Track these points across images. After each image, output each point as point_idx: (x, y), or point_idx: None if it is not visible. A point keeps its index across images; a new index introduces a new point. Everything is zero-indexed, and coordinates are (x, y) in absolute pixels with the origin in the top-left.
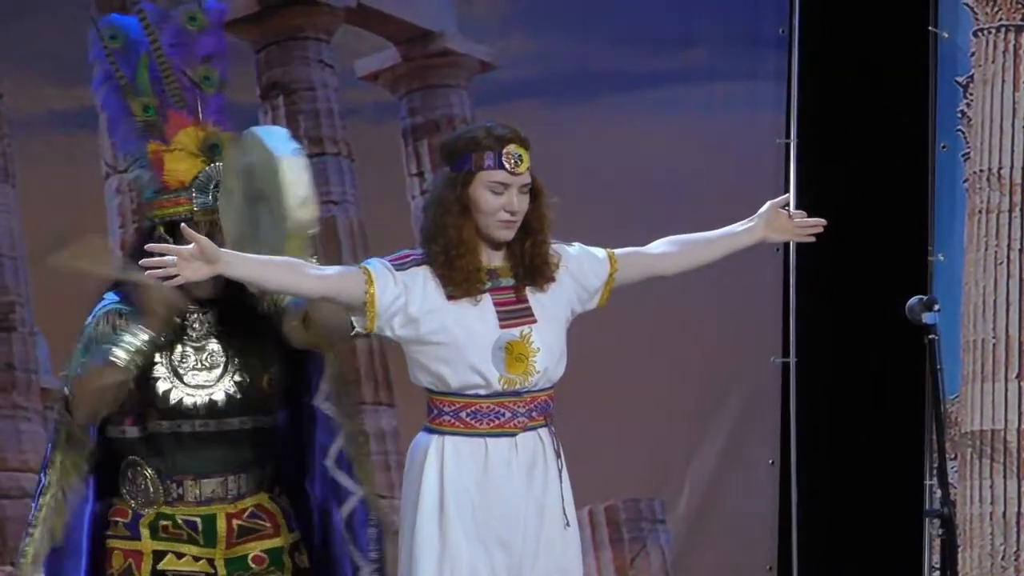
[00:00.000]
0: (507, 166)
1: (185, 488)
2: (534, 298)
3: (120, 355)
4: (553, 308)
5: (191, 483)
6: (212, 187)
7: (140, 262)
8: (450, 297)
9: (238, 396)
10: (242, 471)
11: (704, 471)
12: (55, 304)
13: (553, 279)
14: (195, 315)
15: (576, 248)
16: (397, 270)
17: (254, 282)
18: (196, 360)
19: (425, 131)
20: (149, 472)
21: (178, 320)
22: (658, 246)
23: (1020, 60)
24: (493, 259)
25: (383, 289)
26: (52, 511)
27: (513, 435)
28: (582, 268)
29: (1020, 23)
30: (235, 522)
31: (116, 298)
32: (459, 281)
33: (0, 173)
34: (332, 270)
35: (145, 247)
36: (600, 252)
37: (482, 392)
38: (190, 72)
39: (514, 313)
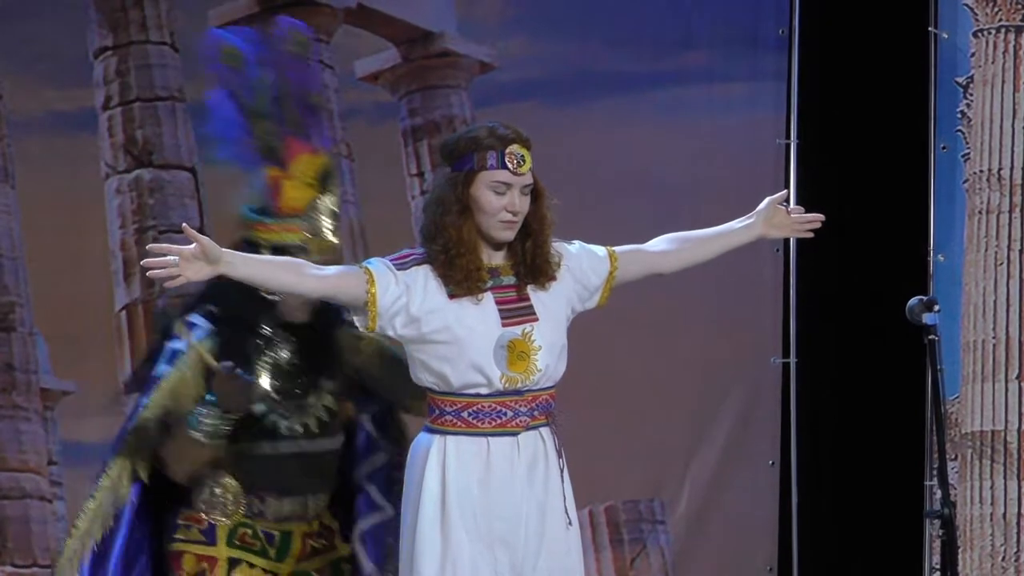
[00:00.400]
0: (510, 166)
1: (267, 504)
2: (535, 296)
3: (205, 437)
4: (554, 306)
5: (273, 500)
6: (323, 215)
7: (142, 262)
8: (451, 296)
9: (326, 420)
10: (319, 491)
11: (704, 472)
12: (55, 305)
13: (554, 278)
14: (286, 340)
15: (577, 246)
16: (398, 269)
17: (256, 282)
18: (290, 385)
19: (425, 132)
20: (232, 486)
21: (266, 343)
22: (657, 244)
23: (1020, 61)
24: (494, 258)
25: (384, 289)
26: (97, 516)
27: (515, 434)
28: (582, 266)
29: (1020, 24)
30: (308, 541)
31: (203, 334)
32: (460, 280)
33: (1, 173)
34: (333, 270)
35: (147, 247)
36: (600, 250)
37: (484, 391)
38: (304, 98)
39: (516, 311)
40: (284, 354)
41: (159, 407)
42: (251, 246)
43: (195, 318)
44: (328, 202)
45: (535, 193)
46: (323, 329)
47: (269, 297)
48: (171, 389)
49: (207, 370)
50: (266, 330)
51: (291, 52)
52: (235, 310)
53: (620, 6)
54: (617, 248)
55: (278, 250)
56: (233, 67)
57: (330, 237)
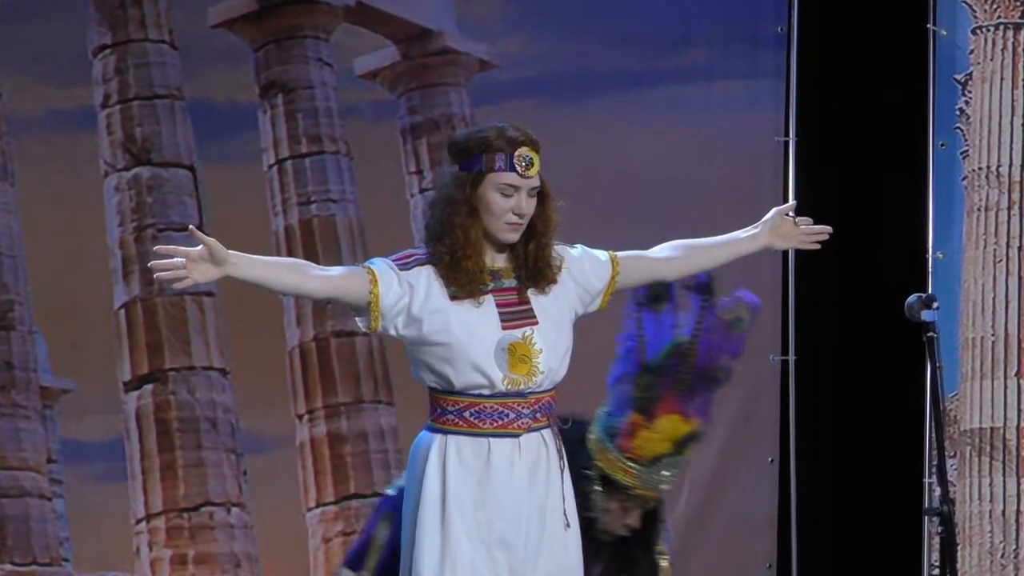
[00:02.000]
0: (518, 169)
1: None
2: (536, 300)
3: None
4: (555, 310)
5: None
6: (659, 472)
7: (149, 264)
8: (453, 298)
9: None
10: None
11: (703, 469)
12: (54, 303)
13: (555, 281)
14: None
15: (579, 250)
16: (401, 270)
17: (260, 284)
18: None
19: (424, 130)
20: None
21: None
22: (661, 250)
23: (1019, 57)
24: (496, 260)
25: (387, 289)
26: None
27: (517, 436)
28: (584, 270)
29: (1019, 20)
30: None
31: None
32: (463, 282)
33: (1, 171)
34: (336, 271)
35: (153, 250)
36: (603, 255)
37: (486, 392)
38: (709, 368)
39: (516, 314)
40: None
41: None
42: (584, 471)
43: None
44: (673, 462)
45: (541, 195)
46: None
47: (589, 514)
48: None
49: None
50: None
51: (723, 321)
52: None
53: (619, 4)
54: (620, 253)
55: (606, 479)
56: (653, 311)
57: (658, 493)
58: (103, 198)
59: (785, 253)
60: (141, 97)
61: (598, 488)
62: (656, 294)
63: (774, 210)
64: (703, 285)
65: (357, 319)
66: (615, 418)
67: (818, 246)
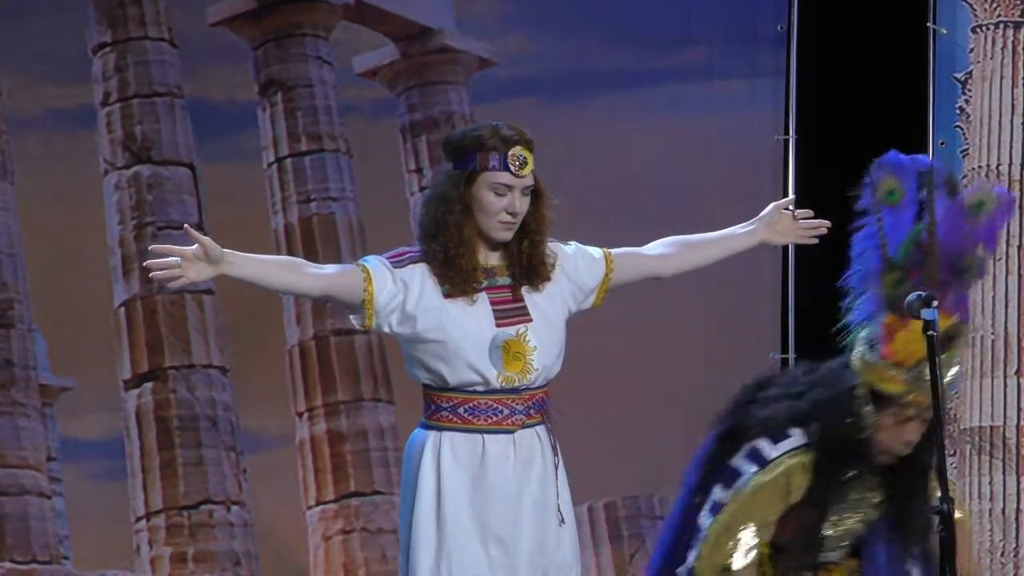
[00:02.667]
0: (511, 168)
1: None
2: (529, 297)
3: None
4: (548, 307)
5: None
6: (927, 375)
7: (144, 264)
8: (447, 296)
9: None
10: None
11: None
12: (53, 301)
13: (549, 279)
14: (875, 483)
15: (572, 247)
16: (395, 267)
17: (256, 282)
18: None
19: (423, 128)
20: None
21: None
22: (656, 247)
23: (1019, 56)
24: (490, 258)
25: (381, 287)
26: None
27: (511, 432)
28: (578, 268)
29: (1019, 19)
30: None
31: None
32: (457, 280)
33: (0, 169)
34: (331, 268)
35: (149, 249)
36: (597, 252)
37: (480, 389)
38: (955, 258)
39: (510, 312)
40: (873, 497)
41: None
42: (850, 387)
43: (794, 431)
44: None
45: (536, 193)
46: (907, 476)
47: (863, 436)
48: (747, 501)
49: (788, 491)
50: (855, 471)
51: (964, 208)
52: (834, 436)
53: (619, 4)
54: (614, 250)
55: (874, 395)
56: (889, 205)
57: (928, 398)
58: (103, 196)
59: (785, 251)
60: (141, 95)
61: (868, 408)
62: (890, 189)
63: (771, 205)
64: (940, 177)
65: (352, 317)
66: (870, 326)
67: (816, 240)
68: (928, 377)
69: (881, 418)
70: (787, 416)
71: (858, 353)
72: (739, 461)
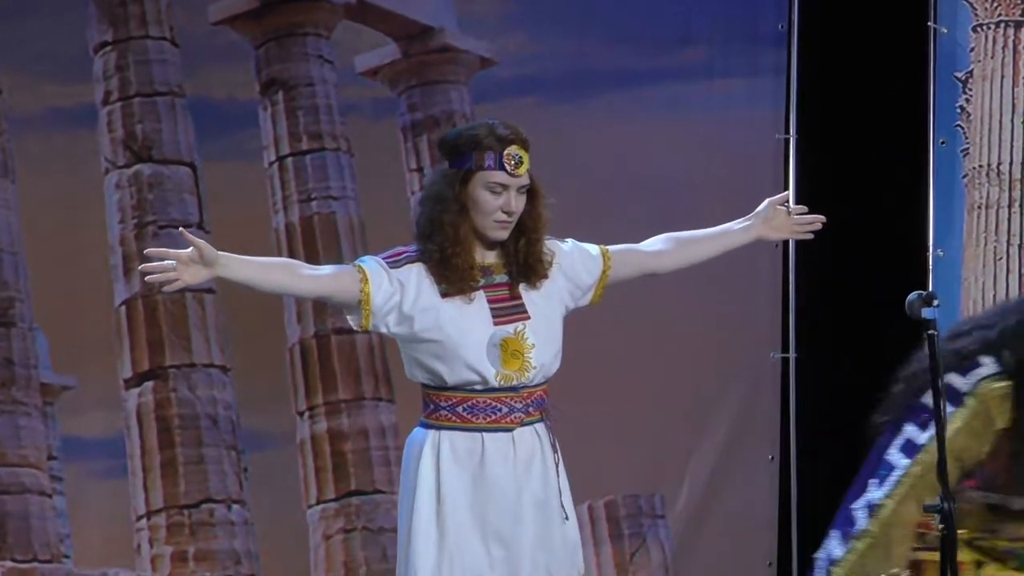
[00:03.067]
0: (507, 167)
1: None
2: (527, 295)
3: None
4: (546, 305)
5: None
6: None
7: (139, 268)
8: (444, 295)
9: None
10: None
11: (703, 466)
12: (54, 300)
13: (546, 276)
14: None
15: (570, 245)
16: (391, 267)
17: (251, 284)
18: None
19: (424, 127)
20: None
21: None
22: (653, 243)
23: (1019, 56)
24: (487, 256)
25: (377, 287)
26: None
27: (510, 430)
28: (575, 265)
29: (1020, 18)
30: None
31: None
32: (453, 280)
33: (1, 167)
34: (327, 270)
35: (144, 252)
36: (594, 249)
37: (479, 388)
38: None
39: (508, 310)
40: None
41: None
42: None
43: (984, 359)
44: None
45: (531, 193)
46: None
47: None
48: (951, 439)
49: (990, 420)
50: None
51: None
52: None
53: (619, 3)
54: (611, 247)
55: None
56: None
57: None
58: (104, 195)
59: (785, 250)
60: (142, 94)
61: None
62: None
63: (767, 201)
64: None
65: (349, 317)
66: None
67: (811, 236)
68: None
69: None
70: (977, 346)
71: None
72: (929, 398)
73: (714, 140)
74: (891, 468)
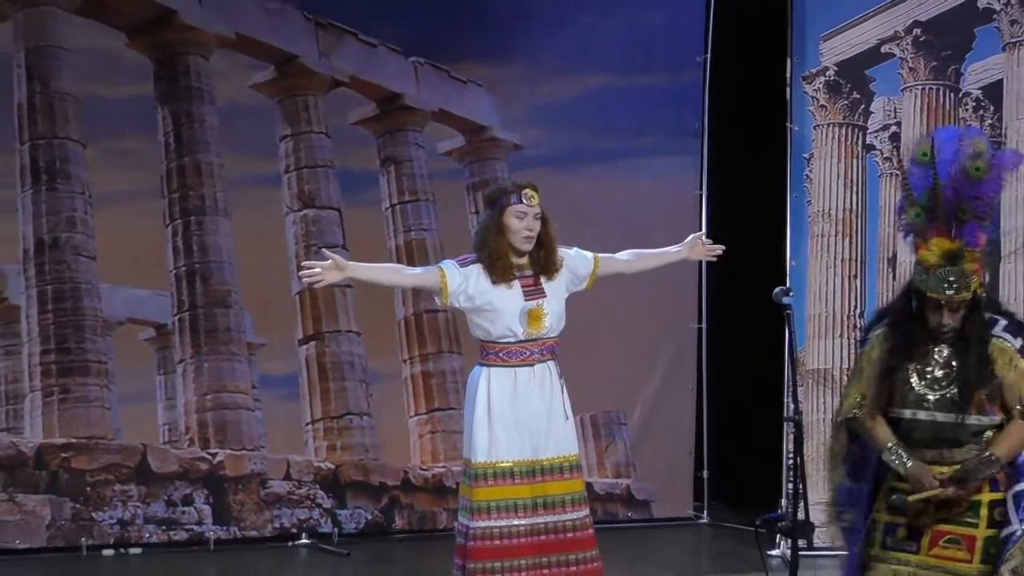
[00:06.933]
0: (525, 202)
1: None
2: (545, 283)
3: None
4: (557, 289)
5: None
6: (944, 279)
7: (299, 273)
8: (493, 283)
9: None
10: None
11: (650, 393)
12: (255, 292)
13: (557, 271)
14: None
15: (574, 251)
16: (460, 267)
17: (371, 281)
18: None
19: (479, 187)
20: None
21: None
22: (624, 255)
23: (841, 143)
24: (519, 260)
25: (452, 279)
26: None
27: (532, 366)
28: (575, 264)
29: (841, 122)
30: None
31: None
32: (498, 274)
33: (222, 210)
34: (419, 270)
35: (301, 264)
36: (588, 254)
37: (512, 340)
38: (953, 206)
39: (533, 292)
40: (937, 367)
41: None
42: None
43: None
44: (954, 271)
45: (543, 219)
46: (970, 341)
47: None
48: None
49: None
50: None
51: (965, 164)
52: (902, 322)
53: (601, 108)
54: (600, 255)
55: (918, 293)
56: (919, 164)
57: (944, 295)
58: (284, 227)
59: (700, 262)
60: (308, 166)
61: (914, 303)
62: (924, 151)
63: (691, 236)
64: (962, 149)
65: (435, 298)
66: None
67: (715, 259)
68: (949, 277)
69: (927, 313)
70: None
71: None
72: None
73: (658, 192)
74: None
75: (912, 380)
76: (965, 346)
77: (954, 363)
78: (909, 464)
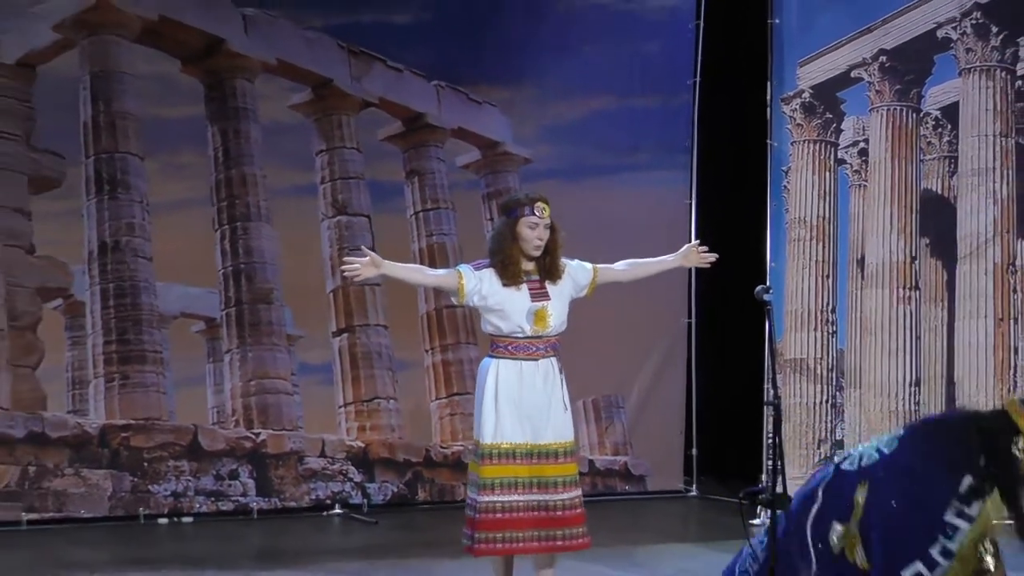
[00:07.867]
0: (536, 213)
1: None
2: (550, 287)
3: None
4: (560, 293)
5: None
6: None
7: (340, 269)
8: (504, 285)
9: None
10: None
11: (645, 380)
12: (295, 289)
13: (561, 277)
14: None
15: (576, 262)
16: (476, 270)
17: (401, 278)
18: None
19: (494, 196)
20: None
21: None
22: (621, 265)
23: (815, 158)
24: (527, 265)
25: (468, 280)
26: None
27: (536, 360)
28: (577, 274)
29: (816, 139)
30: None
31: None
32: (509, 277)
33: (264, 217)
34: (441, 271)
35: (343, 259)
36: (588, 265)
37: (520, 336)
38: None
39: (539, 294)
40: None
41: None
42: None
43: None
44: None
45: (552, 228)
46: None
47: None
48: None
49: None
50: None
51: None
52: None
53: (601, 127)
54: (599, 265)
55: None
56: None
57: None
58: (320, 232)
59: (691, 267)
60: (342, 178)
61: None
62: None
63: (686, 245)
64: None
65: (452, 297)
66: None
67: (708, 265)
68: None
69: None
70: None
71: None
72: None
73: (652, 204)
74: None
75: None
76: None
77: None
78: None
